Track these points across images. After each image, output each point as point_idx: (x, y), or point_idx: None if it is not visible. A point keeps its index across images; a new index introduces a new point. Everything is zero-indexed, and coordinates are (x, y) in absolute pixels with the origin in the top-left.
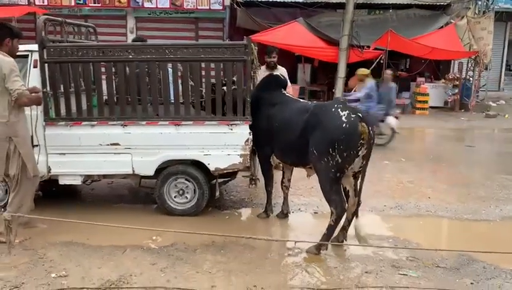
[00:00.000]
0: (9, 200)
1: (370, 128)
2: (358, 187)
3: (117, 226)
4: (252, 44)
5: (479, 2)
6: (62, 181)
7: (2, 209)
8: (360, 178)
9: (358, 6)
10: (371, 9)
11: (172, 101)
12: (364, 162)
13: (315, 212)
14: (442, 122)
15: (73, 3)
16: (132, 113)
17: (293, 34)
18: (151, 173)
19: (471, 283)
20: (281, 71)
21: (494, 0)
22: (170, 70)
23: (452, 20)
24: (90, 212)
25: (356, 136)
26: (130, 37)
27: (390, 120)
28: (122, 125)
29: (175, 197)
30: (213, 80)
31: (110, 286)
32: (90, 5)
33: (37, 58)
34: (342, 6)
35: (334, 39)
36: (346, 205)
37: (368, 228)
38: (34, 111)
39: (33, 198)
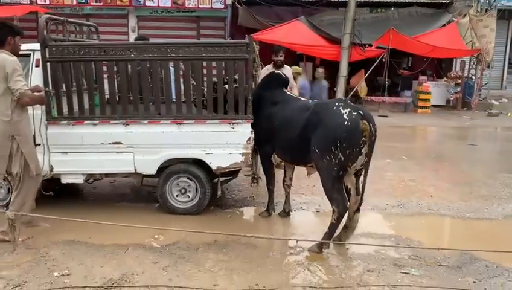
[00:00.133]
0: (11, 199)
1: (371, 125)
2: (362, 185)
3: (119, 225)
4: (254, 43)
5: (482, 0)
6: (64, 180)
7: (5, 209)
8: (363, 176)
9: (360, 5)
10: (373, 7)
11: (174, 100)
12: (366, 160)
13: (317, 211)
14: (444, 121)
15: (75, 2)
16: (134, 112)
17: (295, 33)
18: (153, 171)
19: (474, 282)
20: (287, 70)
21: None
22: (172, 69)
23: (454, 18)
24: (93, 211)
25: (358, 133)
26: (132, 36)
27: None
28: (124, 124)
29: (177, 195)
30: (215, 79)
31: (112, 284)
32: (92, 4)
33: (39, 57)
34: (343, 4)
35: (336, 38)
36: (348, 203)
37: (369, 226)
38: (36, 110)
39: (35, 197)
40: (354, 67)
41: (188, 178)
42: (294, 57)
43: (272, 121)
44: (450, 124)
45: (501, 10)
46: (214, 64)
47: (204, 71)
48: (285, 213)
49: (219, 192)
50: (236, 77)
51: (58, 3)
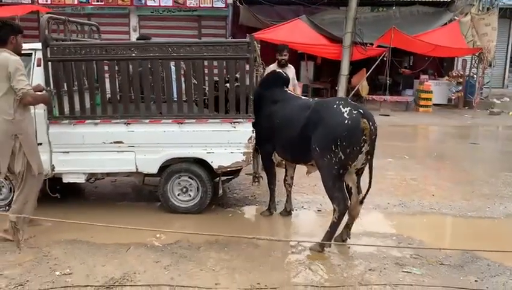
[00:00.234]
0: (14, 198)
1: (370, 123)
2: (369, 179)
3: (118, 226)
4: (255, 42)
5: None
6: (66, 179)
7: (7, 208)
8: (368, 173)
9: (361, 4)
10: (374, 6)
11: (176, 99)
12: (369, 158)
13: (318, 210)
14: (445, 120)
15: (76, 2)
16: (135, 112)
17: (296, 32)
18: (155, 171)
19: (476, 281)
20: (291, 69)
21: None
22: (173, 68)
23: (456, 17)
24: (94, 210)
25: (359, 132)
26: (133, 35)
27: None
28: (125, 123)
29: (178, 195)
30: (216, 78)
31: (114, 283)
32: (93, 3)
33: (41, 56)
34: (344, 3)
35: (337, 37)
36: (349, 202)
37: (371, 225)
38: (38, 110)
39: (37, 196)
40: (356, 66)
41: (190, 177)
42: (295, 56)
43: (273, 119)
44: (452, 123)
45: (503, 9)
46: (215, 63)
47: (206, 70)
48: (287, 212)
49: (220, 191)
50: (237, 75)
51: (59, 3)
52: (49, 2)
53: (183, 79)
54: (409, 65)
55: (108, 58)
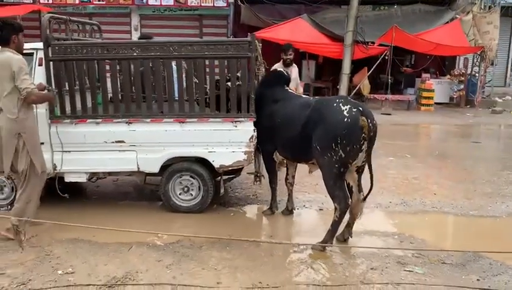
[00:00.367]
0: (17, 197)
1: (369, 121)
2: (370, 176)
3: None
4: (256, 41)
5: None
6: (68, 179)
7: (9, 207)
8: (368, 169)
9: (362, 2)
10: (376, 5)
11: (177, 99)
12: (366, 155)
13: (320, 209)
14: (447, 119)
15: (77, 1)
16: (137, 111)
17: (297, 31)
18: (156, 170)
19: (478, 280)
20: (295, 69)
21: None
22: (174, 67)
23: (457, 16)
24: (96, 209)
25: (358, 130)
26: (135, 34)
27: None
28: (127, 122)
29: (180, 194)
30: (217, 77)
31: (116, 282)
32: (94, 2)
33: (42, 56)
34: (346, 2)
35: (339, 35)
36: (350, 200)
37: (373, 224)
38: (40, 109)
39: (40, 195)
40: (357, 65)
41: (191, 176)
42: (297, 55)
43: (274, 118)
44: (454, 122)
45: (504, 7)
46: (216, 62)
47: (207, 69)
48: (288, 211)
49: (222, 190)
50: (238, 74)
51: (60, 2)
52: (50, 1)
53: (184, 78)
54: (410, 64)
55: (110, 57)
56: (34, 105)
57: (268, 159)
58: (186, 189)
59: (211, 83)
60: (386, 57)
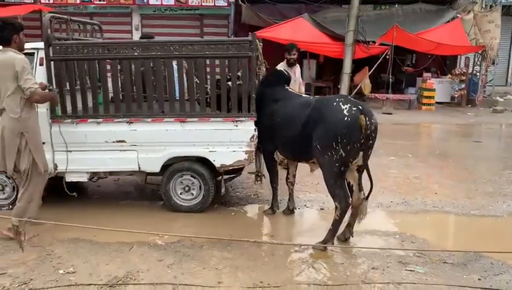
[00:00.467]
0: (19, 196)
1: (367, 119)
2: (368, 177)
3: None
4: (257, 40)
5: None
6: (69, 178)
7: (10, 207)
8: (366, 171)
9: (363, 2)
10: (377, 4)
11: (178, 98)
12: (368, 153)
13: (321, 209)
14: (448, 118)
15: (78, 1)
16: (138, 111)
17: (298, 30)
18: (157, 169)
19: (479, 279)
20: (297, 68)
21: None
22: (175, 67)
23: (458, 15)
24: (97, 209)
25: (358, 129)
26: (135, 34)
27: None
28: (127, 122)
29: (181, 193)
30: (218, 77)
31: (117, 282)
32: (95, 2)
33: (43, 56)
34: (347, 1)
35: (340, 35)
36: (351, 199)
37: (374, 223)
38: (41, 108)
39: (41, 194)
40: (358, 65)
41: (192, 176)
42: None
43: (274, 118)
44: (455, 121)
45: (506, 6)
46: (217, 62)
47: (208, 69)
48: (289, 211)
49: (223, 190)
50: (239, 74)
51: (61, 2)
52: (51, 1)
53: (185, 78)
54: (411, 63)
55: (111, 57)
56: (36, 104)
57: (269, 158)
58: (187, 188)
59: (212, 83)
60: (387, 57)
